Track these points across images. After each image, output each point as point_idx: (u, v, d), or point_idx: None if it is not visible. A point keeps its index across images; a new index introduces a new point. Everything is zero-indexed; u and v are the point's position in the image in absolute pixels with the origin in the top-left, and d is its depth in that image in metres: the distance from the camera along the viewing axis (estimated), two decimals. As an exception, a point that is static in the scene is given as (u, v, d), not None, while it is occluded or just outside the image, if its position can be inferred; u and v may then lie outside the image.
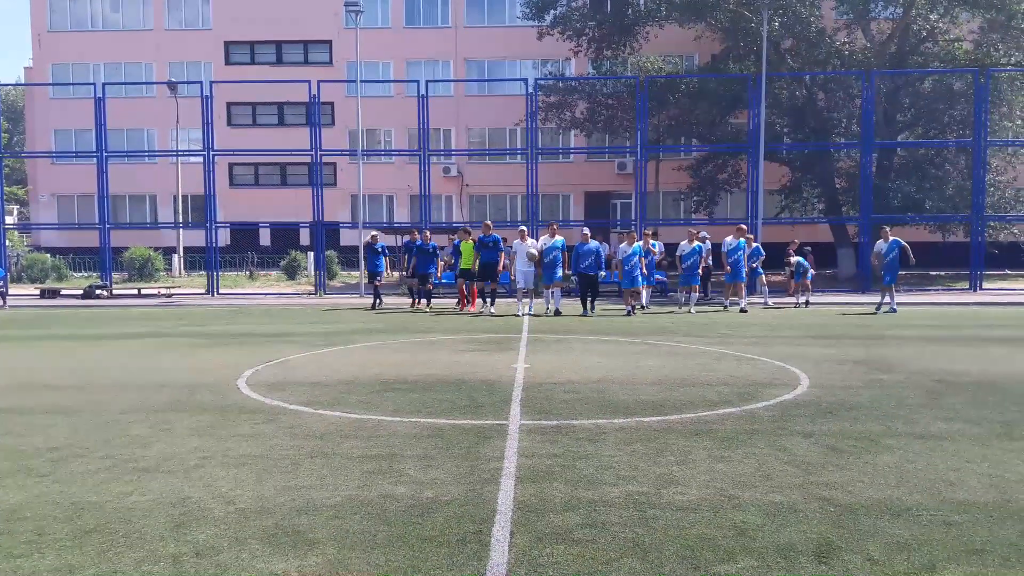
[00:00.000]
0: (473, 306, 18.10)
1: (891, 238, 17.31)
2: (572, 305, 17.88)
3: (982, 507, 4.43)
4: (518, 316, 16.23)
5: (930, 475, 5.04)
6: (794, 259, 19.30)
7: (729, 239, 17.96)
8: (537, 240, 18.22)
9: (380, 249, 19.18)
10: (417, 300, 18.69)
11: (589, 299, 16.67)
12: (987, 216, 25.33)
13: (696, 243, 17.60)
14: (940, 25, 28.14)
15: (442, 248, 20.49)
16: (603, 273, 16.80)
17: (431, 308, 18.15)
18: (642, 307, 17.15)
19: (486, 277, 17.32)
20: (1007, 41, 27.38)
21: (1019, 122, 28.13)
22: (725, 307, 17.96)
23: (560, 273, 16.69)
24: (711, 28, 29.65)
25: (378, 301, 18.83)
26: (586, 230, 16.86)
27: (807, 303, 19.01)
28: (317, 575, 3.56)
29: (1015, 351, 10.72)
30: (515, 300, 17.59)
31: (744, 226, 18.79)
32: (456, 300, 18.79)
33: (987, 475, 5.04)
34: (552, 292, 16.87)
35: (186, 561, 3.72)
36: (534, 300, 17.25)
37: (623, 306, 16.91)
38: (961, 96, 27.62)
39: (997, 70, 25.82)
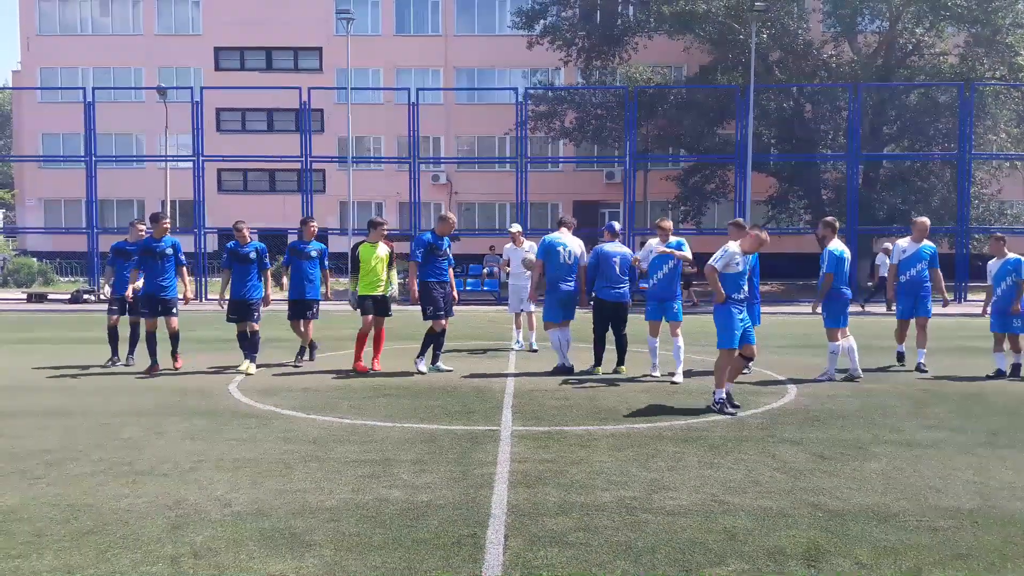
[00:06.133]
0: (375, 361, 9.79)
1: (1009, 255, 9.83)
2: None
3: (967, 513, 4.52)
4: (514, 348, 11.70)
5: (916, 482, 5.13)
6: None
7: (904, 242, 10.43)
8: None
9: (253, 254, 9.96)
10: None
11: (616, 344, 9.67)
12: (972, 228, 25.63)
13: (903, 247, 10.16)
14: (926, 39, 28.53)
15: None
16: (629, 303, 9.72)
17: (251, 369, 9.57)
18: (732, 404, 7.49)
19: (437, 310, 9.50)
20: (992, 55, 27.76)
21: (1003, 135, 28.53)
22: (900, 355, 10.44)
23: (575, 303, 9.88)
24: (700, 40, 29.88)
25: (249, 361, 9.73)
26: (616, 224, 10.30)
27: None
28: (314, 576, 3.60)
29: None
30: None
31: (924, 220, 10.50)
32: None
33: (972, 482, 5.14)
34: (554, 335, 9.79)
35: (184, 562, 3.75)
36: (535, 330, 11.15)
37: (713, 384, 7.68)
38: (946, 109, 27.97)
39: (982, 84, 26.18)
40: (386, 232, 10.17)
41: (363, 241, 10.23)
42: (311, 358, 10.59)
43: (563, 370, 9.64)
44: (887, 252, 19.90)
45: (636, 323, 10.13)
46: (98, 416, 7.07)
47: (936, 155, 27.93)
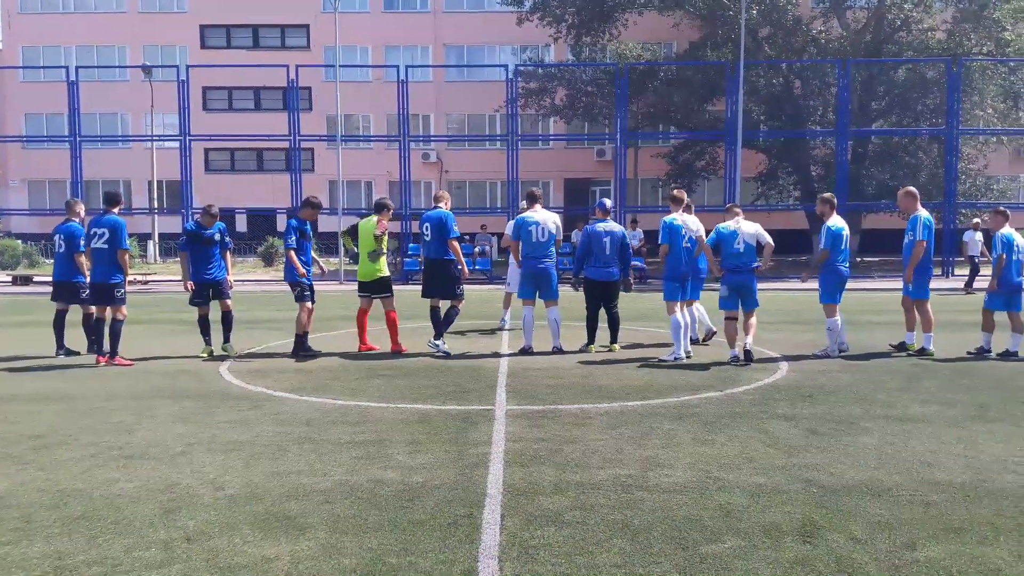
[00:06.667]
0: (364, 342, 9.81)
1: (1005, 230, 9.38)
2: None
3: (959, 487, 4.55)
4: (501, 327, 11.74)
5: (908, 456, 5.16)
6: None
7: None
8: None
9: (217, 235, 9.60)
10: (205, 342, 9.52)
11: (608, 322, 9.68)
12: (959, 203, 25.73)
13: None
14: (914, 14, 28.48)
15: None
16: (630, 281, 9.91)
17: (233, 351, 9.56)
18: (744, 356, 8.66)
19: (435, 290, 9.51)
20: (979, 31, 27.75)
21: (990, 111, 28.60)
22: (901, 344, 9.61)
23: (555, 281, 9.59)
24: (689, 15, 29.74)
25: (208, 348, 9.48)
26: (607, 202, 10.01)
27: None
28: (309, 559, 3.58)
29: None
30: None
31: (901, 190, 9.84)
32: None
33: (963, 456, 5.17)
34: (528, 312, 9.58)
35: (177, 547, 3.72)
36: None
37: (722, 345, 9.15)
38: (934, 85, 28.00)
39: (969, 59, 26.16)
40: (390, 216, 9.85)
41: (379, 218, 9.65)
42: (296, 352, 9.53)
43: (526, 351, 9.40)
44: (976, 227, 19.84)
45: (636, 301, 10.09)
46: (89, 400, 7.02)
47: (924, 131, 27.98)
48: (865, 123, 28.76)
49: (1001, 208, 9.87)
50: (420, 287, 9.94)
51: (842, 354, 9.22)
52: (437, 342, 9.43)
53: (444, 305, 9.60)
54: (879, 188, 27.77)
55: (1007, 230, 9.41)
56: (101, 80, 36.79)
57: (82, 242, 9.37)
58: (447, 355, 9.25)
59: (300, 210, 9.97)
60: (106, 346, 9.02)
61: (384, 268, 9.74)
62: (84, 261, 9.35)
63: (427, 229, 9.48)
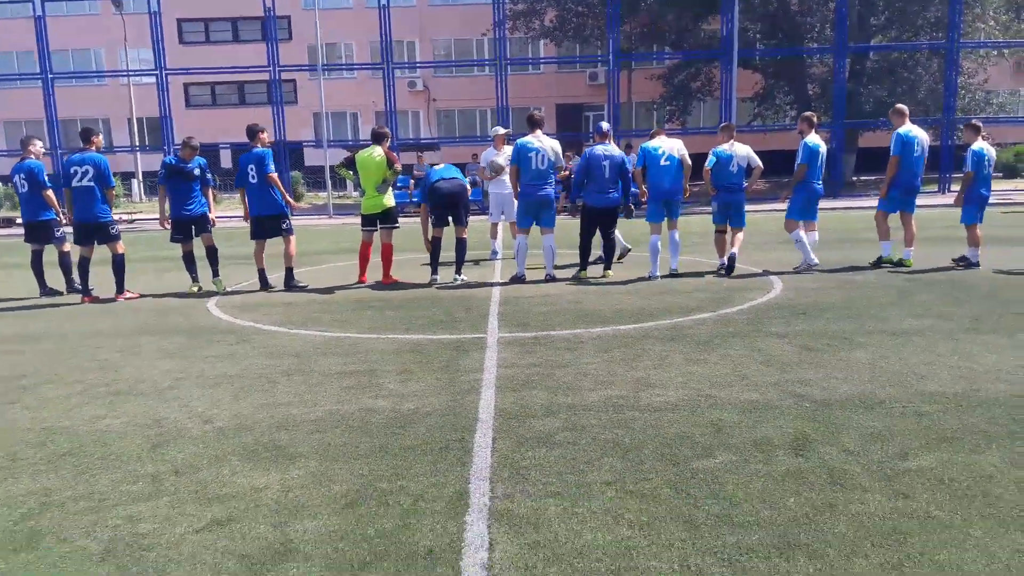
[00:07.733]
0: (364, 276, 9.75)
1: (979, 144, 9.40)
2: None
3: (951, 397, 4.52)
4: (490, 259, 11.74)
5: (902, 369, 5.13)
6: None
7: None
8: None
9: (197, 170, 9.29)
10: (193, 278, 9.53)
11: (603, 248, 9.68)
12: (957, 119, 25.33)
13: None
14: (914, -77, 27.47)
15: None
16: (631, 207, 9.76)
17: (221, 285, 9.53)
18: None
19: (450, 217, 9.49)
20: (981, -61, 26.84)
21: (992, 23, 27.89)
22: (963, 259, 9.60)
23: (554, 209, 9.42)
24: (681, -71, 28.64)
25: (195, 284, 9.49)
26: (605, 125, 9.68)
27: None
28: (300, 487, 3.55)
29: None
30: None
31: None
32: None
33: (956, 367, 5.14)
34: (521, 241, 9.55)
35: (165, 480, 3.68)
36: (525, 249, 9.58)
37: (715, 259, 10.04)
38: (934, -3, 27.22)
39: (970, -32, 25.38)
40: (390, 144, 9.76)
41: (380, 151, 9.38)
42: (287, 286, 9.43)
43: (518, 279, 9.33)
44: None
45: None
46: (74, 339, 6.94)
47: (924, 44, 27.33)
48: (864, 39, 28.06)
49: (973, 122, 9.71)
50: (412, 219, 9.90)
51: (807, 270, 9.41)
52: (462, 276, 9.51)
53: (446, 234, 9.59)
54: (876, 106, 27.26)
55: (979, 144, 9.40)
56: (70, 15, 35.59)
57: (46, 178, 9.22)
58: (467, 284, 9.36)
59: (255, 139, 9.16)
60: (91, 284, 8.94)
61: (391, 199, 9.59)
62: (52, 197, 9.16)
63: (441, 163, 9.73)
